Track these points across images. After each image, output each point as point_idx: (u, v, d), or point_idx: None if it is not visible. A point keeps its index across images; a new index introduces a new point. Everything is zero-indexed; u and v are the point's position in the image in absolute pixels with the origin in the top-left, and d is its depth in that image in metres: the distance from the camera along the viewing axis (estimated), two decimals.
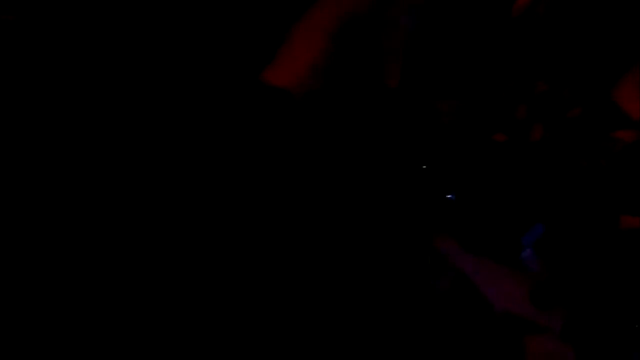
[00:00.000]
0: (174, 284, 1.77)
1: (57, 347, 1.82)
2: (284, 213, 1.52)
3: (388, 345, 1.63)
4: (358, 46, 1.40)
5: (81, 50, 2.05)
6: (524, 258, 2.18)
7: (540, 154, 2.34)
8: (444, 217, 2.21)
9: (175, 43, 2.10)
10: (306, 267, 1.52)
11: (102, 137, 2.02)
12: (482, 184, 2.29)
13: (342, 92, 1.44)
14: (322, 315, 1.51)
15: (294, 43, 1.42)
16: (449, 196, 2.20)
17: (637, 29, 2.20)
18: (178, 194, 1.99)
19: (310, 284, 1.54)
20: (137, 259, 1.95)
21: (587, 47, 2.52)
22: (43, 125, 2.05)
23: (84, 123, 2.02)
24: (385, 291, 1.68)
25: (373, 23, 1.35)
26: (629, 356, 1.89)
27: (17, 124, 2.05)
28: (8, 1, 2.10)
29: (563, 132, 2.40)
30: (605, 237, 2.14)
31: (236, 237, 1.59)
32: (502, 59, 1.98)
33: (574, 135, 2.35)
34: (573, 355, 1.90)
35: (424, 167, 1.35)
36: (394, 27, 1.35)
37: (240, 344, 1.50)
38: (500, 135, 2.64)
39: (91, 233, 1.99)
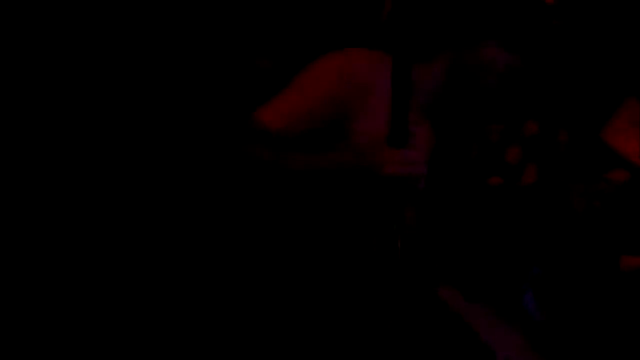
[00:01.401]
0: (167, 285, 1.79)
1: (57, 347, 1.82)
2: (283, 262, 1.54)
3: None
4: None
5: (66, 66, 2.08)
6: (524, 304, 2.16)
7: (534, 197, 2.33)
8: (448, 267, 2.20)
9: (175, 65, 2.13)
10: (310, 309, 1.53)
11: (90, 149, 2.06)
12: (479, 229, 2.28)
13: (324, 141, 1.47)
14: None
15: (294, 89, 1.45)
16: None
17: (625, 69, 2.21)
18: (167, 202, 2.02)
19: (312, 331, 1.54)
20: (133, 259, 1.95)
21: (577, 86, 2.53)
22: (33, 129, 2.08)
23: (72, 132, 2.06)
24: (390, 339, 1.67)
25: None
26: None
27: (17, 124, 2.07)
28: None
29: (556, 174, 2.40)
30: (605, 279, 2.13)
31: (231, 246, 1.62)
32: (495, 100, 1.99)
33: (567, 177, 2.35)
34: None
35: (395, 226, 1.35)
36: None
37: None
38: (495, 179, 2.64)
39: (89, 233, 2.01)
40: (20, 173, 2.07)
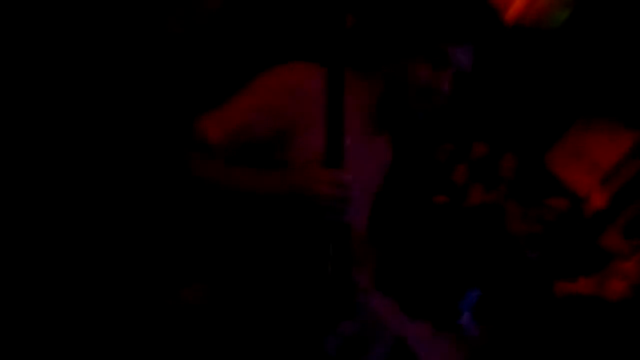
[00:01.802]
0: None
1: (56, 347, 1.81)
2: None
3: None
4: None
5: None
6: (462, 323, 2.20)
7: (477, 218, 2.38)
8: (383, 276, 2.22)
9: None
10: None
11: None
12: (421, 245, 2.32)
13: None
14: None
15: (235, 100, 1.46)
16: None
17: (573, 95, 2.27)
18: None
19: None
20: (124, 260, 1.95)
21: (525, 109, 2.59)
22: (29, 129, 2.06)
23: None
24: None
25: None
26: None
27: (16, 125, 2.05)
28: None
29: (499, 197, 2.45)
30: (541, 301, 2.18)
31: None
32: (442, 120, 2.02)
33: (509, 200, 2.40)
34: None
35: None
36: None
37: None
38: (441, 197, 2.68)
39: (87, 235, 2.00)
40: (17, 173, 2.07)
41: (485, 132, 2.60)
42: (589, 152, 2.17)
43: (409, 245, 2.31)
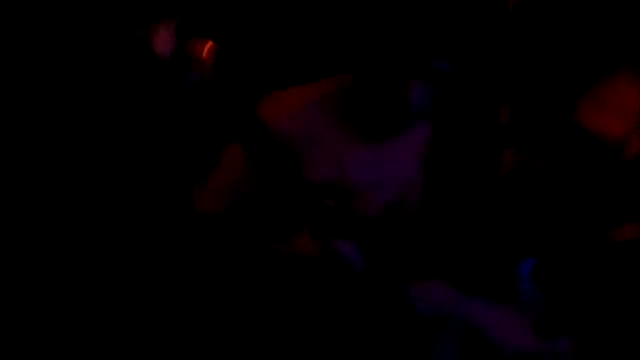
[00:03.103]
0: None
1: (56, 346, 1.83)
2: None
3: None
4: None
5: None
6: (521, 291, 2.19)
7: (519, 182, 2.35)
8: (439, 263, 2.21)
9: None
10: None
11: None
12: (474, 221, 2.29)
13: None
14: None
15: (220, 168, 1.46)
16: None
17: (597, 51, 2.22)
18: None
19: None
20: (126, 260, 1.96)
21: (547, 66, 2.55)
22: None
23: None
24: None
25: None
26: None
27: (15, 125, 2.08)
28: None
29: (530, 157, 2.41)
30: (600, 253, 2.15)
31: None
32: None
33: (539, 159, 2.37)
34: None
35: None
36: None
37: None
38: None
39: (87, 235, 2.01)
40: (16, 174, 2.09)
41: (509, 95, 2.56)
42: (619, 100, 2.15)
43: (463, 224, 2.28)
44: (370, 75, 1.43)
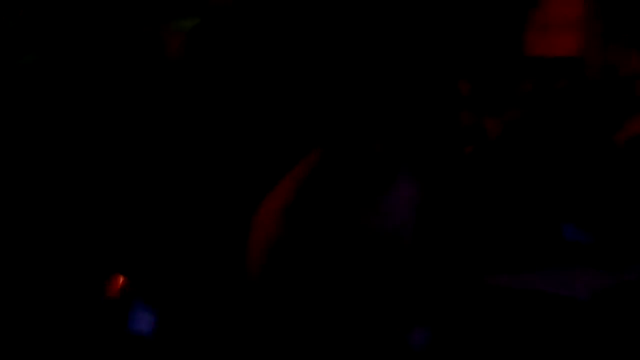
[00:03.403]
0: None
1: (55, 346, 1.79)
2: None
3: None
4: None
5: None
6: (567, 237, 2.13)
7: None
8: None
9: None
10: None
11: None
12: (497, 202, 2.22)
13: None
14: None
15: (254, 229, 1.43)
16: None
17: None
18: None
19: None
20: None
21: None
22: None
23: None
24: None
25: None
26: None
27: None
28: None
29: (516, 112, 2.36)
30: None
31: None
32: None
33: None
34: None
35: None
36: None
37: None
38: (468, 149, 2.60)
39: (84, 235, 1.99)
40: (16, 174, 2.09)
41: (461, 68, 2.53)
42: (560, 18, 2.12)
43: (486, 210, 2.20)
44: None
